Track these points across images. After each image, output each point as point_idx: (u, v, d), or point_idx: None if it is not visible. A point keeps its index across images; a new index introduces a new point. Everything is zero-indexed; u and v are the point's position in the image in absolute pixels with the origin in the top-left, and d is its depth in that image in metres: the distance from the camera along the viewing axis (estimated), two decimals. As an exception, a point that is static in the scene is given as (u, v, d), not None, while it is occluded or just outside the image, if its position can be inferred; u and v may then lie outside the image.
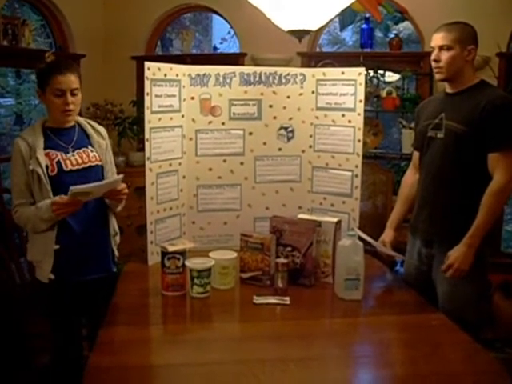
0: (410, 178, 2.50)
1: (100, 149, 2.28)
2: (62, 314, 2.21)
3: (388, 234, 2.48)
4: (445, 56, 2.18)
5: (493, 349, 2.98)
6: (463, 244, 2.12)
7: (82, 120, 2.31)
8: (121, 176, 2.18)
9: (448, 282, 2.19)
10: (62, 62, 2.19)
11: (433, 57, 2.23)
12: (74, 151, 2.20)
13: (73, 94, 2.14)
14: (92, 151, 2.25)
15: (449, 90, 2.29)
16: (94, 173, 2.22)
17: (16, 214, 2.15)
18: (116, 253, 2.36)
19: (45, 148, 2.14)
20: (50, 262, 2.13)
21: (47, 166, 2.11)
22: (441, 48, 2.19)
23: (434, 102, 2.39)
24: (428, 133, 2.29)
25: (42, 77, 2.15)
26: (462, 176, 2.19)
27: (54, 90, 2.11)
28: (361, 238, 2.21)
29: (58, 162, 2.14)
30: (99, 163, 2.25)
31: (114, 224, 2.35)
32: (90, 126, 2.32)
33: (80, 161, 2.19)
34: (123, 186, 2.21)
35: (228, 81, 2.68)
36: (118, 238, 2.37)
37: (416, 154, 2.45)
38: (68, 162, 2.16)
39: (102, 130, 2.36)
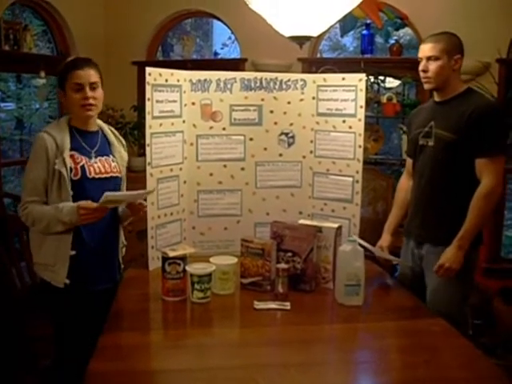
0: (405, 184, 2.56)
1: (121, 160, 2.26)
2: (71, 320, 2.16)
3: (385, 239, 2.53)
4: (433, 66, 2.25)
5: (494, 355, 2.97)
6: (453, 246, 2.19)
7: (105, 126, 2.27)
8: (152, 189, 2.15)
9: (434, 282, 2.26)
10: (79, 58, 2.17)
11: (421, 67, 2.30)
12: (96, 157, 2.15)
13: (92, 88, 2.10)
14: (113, 161, 2.21)
15: (437, 98, 2.36)
16: (113, 184, 2.18)
17: (25, 210, 2.06)
18: (121, 265, 2.36)
19: (70, 149, 2.08)
20: (65, 266, 2.08)
21: (71, 169, 2.06)
22: (429, 58, 2.26)
23: (424, 111, 2.45)
24: (419, 141, 2.36)
25: (61, 76, 2.11)
26: (453, 182, 2.25)
27: (73, 84, 2.07)
28: (359, 244, 2.22)
29: (83, 167, 2.09)
30: (119, 175, 2.23)
31: (122, 236, 2.35)
32: (113, 134, 2.29)
33: (103, 169, 2.15)
34: (145, 202, 2.20)
35: (229, 86, 2.68)
36: (124, 250, 2.37)
37: (409, 161, 2.53)
38: (92, 168, 2.12)
39: (124, 140, 2.34)
